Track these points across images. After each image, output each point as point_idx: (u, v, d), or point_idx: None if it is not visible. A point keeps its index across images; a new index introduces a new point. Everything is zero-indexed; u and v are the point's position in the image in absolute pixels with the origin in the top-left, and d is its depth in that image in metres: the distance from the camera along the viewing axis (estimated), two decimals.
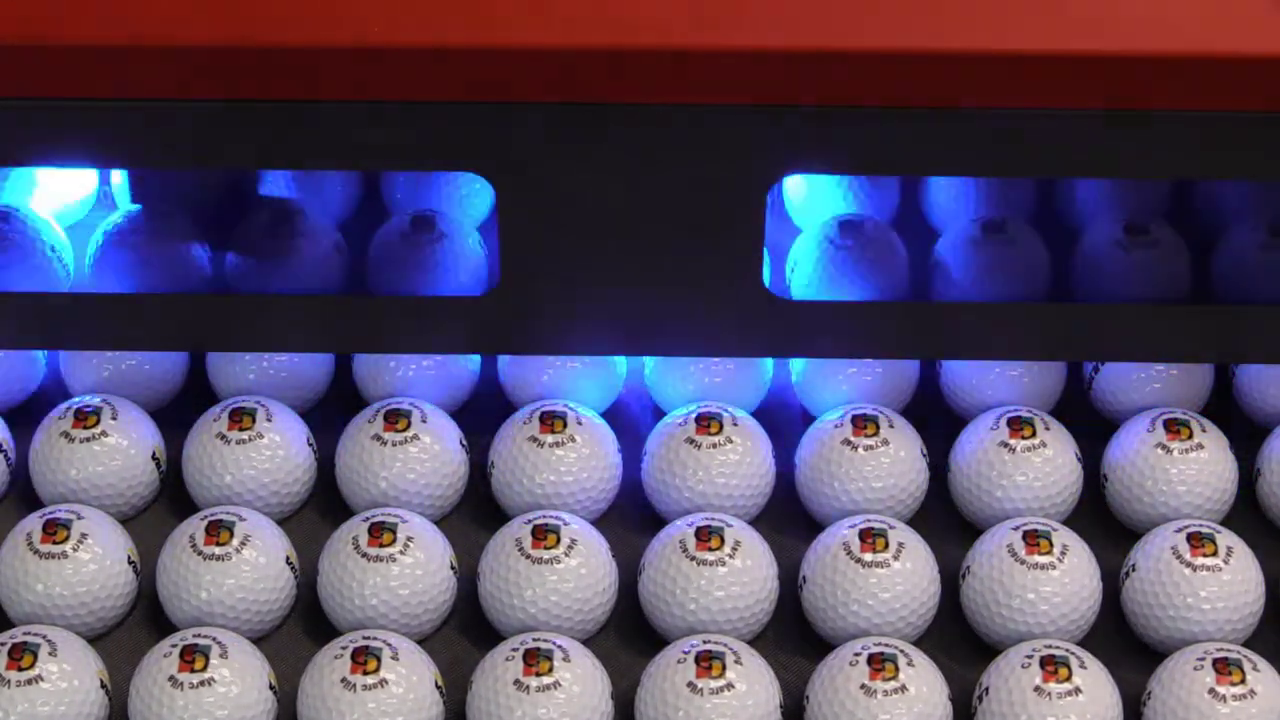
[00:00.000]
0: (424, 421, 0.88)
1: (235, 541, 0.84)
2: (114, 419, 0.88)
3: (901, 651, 0.80)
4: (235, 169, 0.95)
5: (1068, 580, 0.83)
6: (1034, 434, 0.88)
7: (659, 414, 0.92)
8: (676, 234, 0.82)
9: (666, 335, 0.87)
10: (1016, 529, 0.84)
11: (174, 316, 0.88)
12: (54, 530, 0.84)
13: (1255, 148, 0.78)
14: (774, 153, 0.79)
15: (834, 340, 0.87)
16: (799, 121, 0.77)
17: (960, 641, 0.85)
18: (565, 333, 0.87)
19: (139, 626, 0.86)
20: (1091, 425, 0.92)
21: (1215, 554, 0.84)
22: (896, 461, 0.88)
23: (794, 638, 0.85)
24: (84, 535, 0.84)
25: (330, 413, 0.92)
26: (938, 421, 0.92)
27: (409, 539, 0.84)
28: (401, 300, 0.90)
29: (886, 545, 0.84)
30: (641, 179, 0.80)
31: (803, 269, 0.92)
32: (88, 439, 0.88)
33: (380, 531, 0.84)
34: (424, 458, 0.88)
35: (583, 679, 0.80)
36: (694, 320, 0.86)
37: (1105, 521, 0.89)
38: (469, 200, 0.96)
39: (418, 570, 0.83)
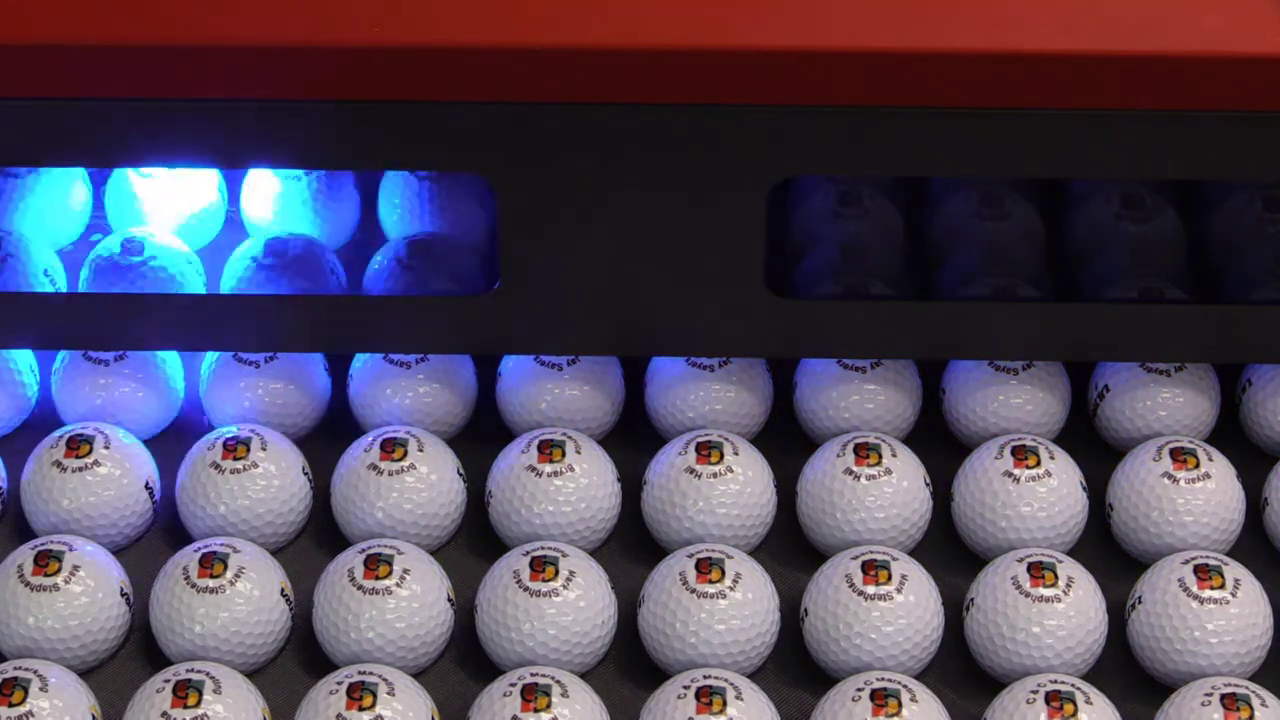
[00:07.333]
0: (421, 450, 0.87)
1: (229, 574, 0.83)
2: (107, 448, 0.87)
3: (905, 687, 0.79)
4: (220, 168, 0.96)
5: (1073, 613, 0.82)
6: (1038, 463, 0.87)
7: (659, 442, 0.91)
8: (676, 234, 0.82)
9: (666, 335, 0.87)
10: (1021, 560, 0.83)
11: (170, 317, 0.88)
12: (45, 562, 0.83)
13: (1255, 147, 0.78)
14: (774, 153, 0.79)
15: (835, 340, 0.87)
16: (799, 121, 0.77)
17: (964, 675, 0.84)
18: (565, 333, 0.87)
19: (132, 660, 0.85)
20: (1096, 451, 0.91)
21: (1223, 586, 0.83)
22: (899, 491, 0.87)
23: (795, 671, 0.84)
24: (76, 567, 0.83)
25: (326, 441, 0.91)
26: (941, 449, 0.91)
27: (405, 571, 0.83)
28: (401, 300, 0.89)
29: (889, 577, 0.83)
30: (641, 179, 0.80)
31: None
32: (80, 468, 0.87)
33: (376, 563, 0.83)
34: (421, 488, 0.87)
35: (581, 714, 0.79)
36: (694, 320, 0.85)
37: (1110, 552, 0.88)
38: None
39: (414, 603, 0.82)
